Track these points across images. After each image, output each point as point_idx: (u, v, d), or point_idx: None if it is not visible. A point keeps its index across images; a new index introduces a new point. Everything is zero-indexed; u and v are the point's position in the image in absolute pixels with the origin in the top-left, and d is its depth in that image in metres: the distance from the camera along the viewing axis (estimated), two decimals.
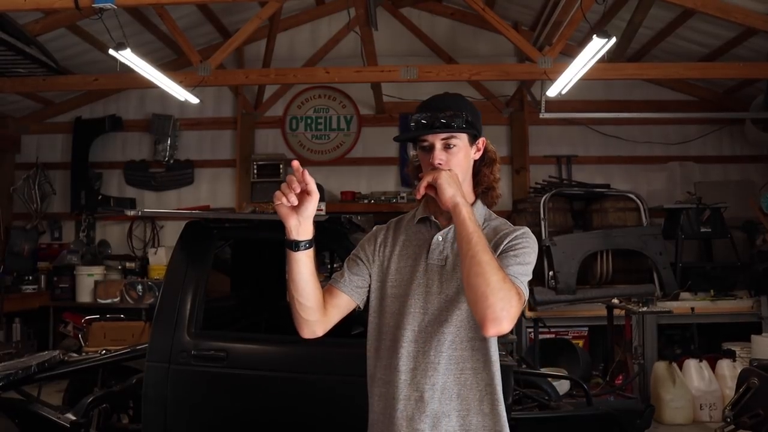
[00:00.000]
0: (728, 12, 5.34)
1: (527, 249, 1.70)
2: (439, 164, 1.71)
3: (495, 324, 1.49)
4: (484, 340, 1.69)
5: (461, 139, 1.74)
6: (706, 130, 7.71)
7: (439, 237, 1.76)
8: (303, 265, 1.63)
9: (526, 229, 1.74)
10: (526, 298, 1.63)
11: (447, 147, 1.73)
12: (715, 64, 6.51)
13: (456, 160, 1.73)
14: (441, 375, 1.67)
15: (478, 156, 1.80)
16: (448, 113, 1.72)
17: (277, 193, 1.56)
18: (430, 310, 1.71)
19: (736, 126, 7.57)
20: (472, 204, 1.78)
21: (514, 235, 1.71)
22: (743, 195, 7.07)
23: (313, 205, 1.59)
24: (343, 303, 1.79)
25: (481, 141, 1.80)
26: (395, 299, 1.76)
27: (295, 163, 1.57)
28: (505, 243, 1.69)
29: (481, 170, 1.81)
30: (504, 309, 1.49)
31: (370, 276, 1.81)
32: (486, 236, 1.67)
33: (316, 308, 1.71)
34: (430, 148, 1.74)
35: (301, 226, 1.60)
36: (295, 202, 1.55)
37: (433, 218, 1.80)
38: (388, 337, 1.75)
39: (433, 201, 1.74)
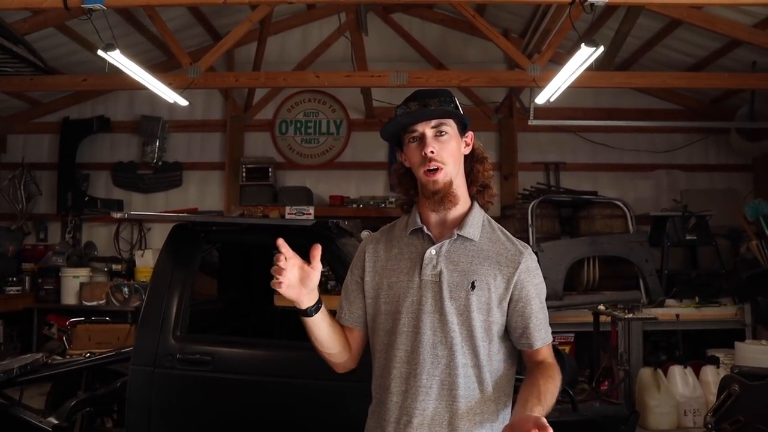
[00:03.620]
0: (714, 23, 5.41)
1: (543, 283, 1.70)
2: (432, 153, 1.61)
3: None
4: (481, 368, 1.60)
5: (452, 127, 1.65)
6: (692, 138, 7.80)
7: (432, 251, 1.64)
8: (320, 322, 1.66)
9: (531, 251, 1.69)
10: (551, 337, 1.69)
11: (439, 135, 1.64)
12: (701, 74, 6.60)
13: (449, 149, 1.64)
14: (432, 401, 1.58)
15: (468, 151, 1.71)
16: (436, 100, 1.65)
17: (276, 282, 1.54)
18: (422, 330, 1.60)
19: (721, 135, 7.66)
20: (470, 209, 1.69)
21: (537, 271, 1.66)
22: (728, 203, 7.15)
23: (316, 277, 1.57)
24: (357, 335, 1.76)
25: (469, 135, 1.72)
26: (388, 316, 1.67)
27: (280, 241, 1.55)
28: (529, 282, 1.64)
29: (474, 167, 1.72)
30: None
31: (365, 296, 1.75)
32: (480, 248, 1.65)
33: (343, 349, 1.72)
34: (421, 138, 1.64)
35: (309, 296, 1.60)
36: (293, 279, 1.54)
37: (425, 229, 1.68)
38: (382, 356, 1.68)
39: (426, 209, 1.68)
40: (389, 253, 1.72)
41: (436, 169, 1.62)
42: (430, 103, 1.64)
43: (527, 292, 1.63)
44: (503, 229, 1.74)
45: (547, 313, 1.68)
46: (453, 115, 1.65)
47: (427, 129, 1.64)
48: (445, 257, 1.64)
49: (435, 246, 1.65)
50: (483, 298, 1.61)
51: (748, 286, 6.06)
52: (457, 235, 1.65)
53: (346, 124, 8.07)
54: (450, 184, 1.64)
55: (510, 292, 1.62)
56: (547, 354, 1.67)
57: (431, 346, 1.60)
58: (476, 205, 1.72)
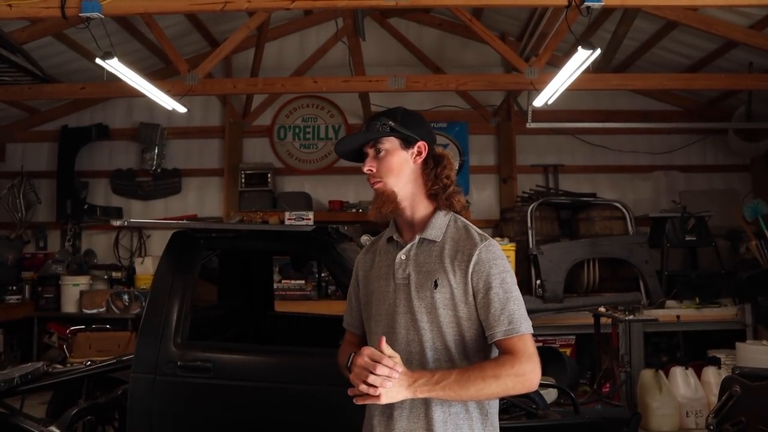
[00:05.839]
0: (710, 24, 5.44)
1: (509, 273, 1.72)
2: (369, 171, 1.79)
3: (524, 393, 1.68)
4: (454, 362, 1.69)
5: (390, 143, 1.80)
6: (690, 139, 7.82)
7: (401, 256, 1.78)
8: None
9: (491, 242, 1.74)
10: (531, 329, 1.68)
11: (377, 153, 1.80)
12: (698, 75, 6.61)
13: (385, 164, 1.79)
14: None
15: (419, 160, 1.81)
16: (376, 122, 1.81)
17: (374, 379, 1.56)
18: (398, 330, 1.73)
19: (719, 136, 7.68)
20: (432, 213, 1.80)
21: (495, 262, 1.70)
22: (727, 204, 7.16)
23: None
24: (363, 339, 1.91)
25: (420, 145, 1.81)
26: (373, 319, 1.82)
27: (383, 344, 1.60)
28: (484, 273, 1.69)
29: (424, 174, 1.82)
30: (521, 384, 1.62)
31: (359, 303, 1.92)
32: (441, 248, 1.74)
33: None
34: (366, 158, 1.83)
35: None
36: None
37: (395, 236, 1.84)
38: None
39: (399, 219, 1.82)
40: (374, 262, 1.89)
41: (375, 183, 1.81)
42: (370, 126, 1.81)
43: (484, 283, 1.69)
44: (468, 225, 1.81)
45: (517, 306, 1.67)
46: (380, 134, 1.78)
47: (368, 149, 1.82)
48: (413, 260, 1.77)
49: (404, 251, 1.79)
50: (447, 295, 1.70)
51: (748, 287, 6.07)
52: (420, 238, 1.78)
53: (344, 129, 8.08)
54: (390, 194, 1.78)
55: (470, 286, 1.70)
56: (515, 347, 1.65)
57: (405, 344, 1.72)
58: (438, 212, 1.82)
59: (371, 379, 1.53)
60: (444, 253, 1.74)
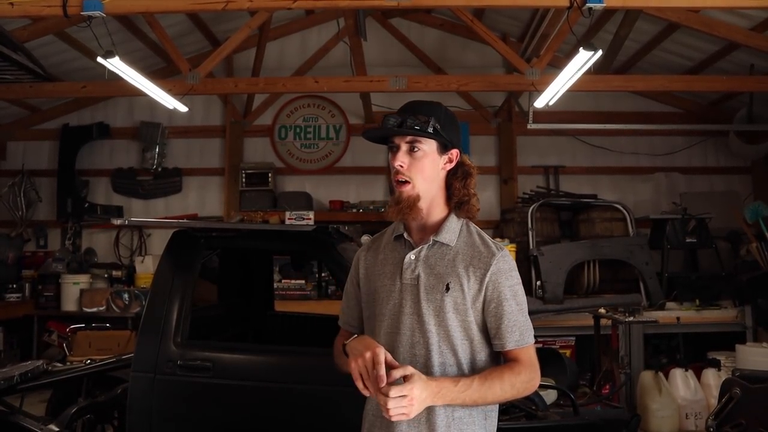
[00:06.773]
0: (712, 26, 5.43)
1: (520, 286, 1.75)
2: (400, 166, 1.72)
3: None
4: (461, 366, 1.68)
5: (428, 145, 1.73)
6: (691, 141, 7.82)
7: (411, 256, 1.75)
8: None
9: (507, 252, 1.76)
10: (533, 337, 1.72)
11: (412, 150, 1.73)
12: (699, 77, 6.61)
13: (419, 164, 1.73)
14: None
15: (449, 167, 1.78)
16: (418, 118, 1.72)
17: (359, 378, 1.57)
18: (402, 330, 1.71)
19: (720, 138, 7.68)
20: (447, 216, 1.78)
21: (511, 273, 1.72)
22: (728, 206, 7.16)
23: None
24: None
25: (453, 152, 1.78)
26: (375, 318, 1.79)
27: (380, 355, 1.55)
28: (501, 283, 1.70)
29: (452, 183, 1.79)
30: (527, 390, 1.67)
31: (360, 301, 1.88)
32: (455, 252, 1.73)
33: None
34: (397, 150, 1.74)
35: None
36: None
37: (406, 236, 1.80)
38: None
39: (408, 218, 1.77)
40: (377, 259, 1.84)
41: (404, 182, 1.73)
42: (410, 119, 1.71)
43: (499, 293, 1.70)
44: (481, 232, 1.82)
45: (526, 317, 1.72)
46: (423, 135, 1.71)
47: (402, 143, 1.74)
48: (423, 262, 1.74)
49: (414, 251, 1.76)
50: (458, 300, 1.69)
51: (748, 289, 6.07)
52: (433, 240, 1.76)
53: (345, 128, 8.08)
54: (415, 198, 1.73)
55: (483, 293, 1.70)
56: (522, 356, 1.70)
57: (410, 346, 1.70)
58: (453, 215, 1.80)
59: (391, 406, 1.49)
60: (458, 258, 1.73)
